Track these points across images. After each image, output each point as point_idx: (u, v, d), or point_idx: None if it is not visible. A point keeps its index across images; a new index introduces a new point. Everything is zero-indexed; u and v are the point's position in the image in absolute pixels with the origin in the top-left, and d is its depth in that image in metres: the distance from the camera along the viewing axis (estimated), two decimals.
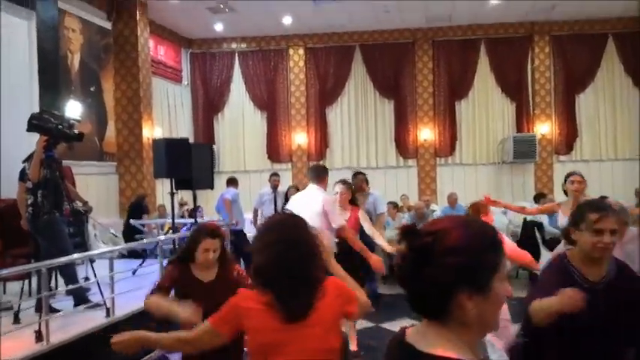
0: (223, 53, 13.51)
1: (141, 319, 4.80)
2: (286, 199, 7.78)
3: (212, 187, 7.24)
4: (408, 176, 13.31)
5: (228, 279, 2.84)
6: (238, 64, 13.52)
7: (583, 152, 13.09)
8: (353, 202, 5.20)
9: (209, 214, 9.58)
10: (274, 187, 8.15)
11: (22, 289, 4.38)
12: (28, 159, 4.51)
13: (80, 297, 4.63)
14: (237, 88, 13.58)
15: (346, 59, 13.24)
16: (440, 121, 13.17)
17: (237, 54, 13.51)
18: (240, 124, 13.66)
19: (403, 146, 13.23)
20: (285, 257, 1.82)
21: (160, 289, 2.86)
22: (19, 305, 4.25)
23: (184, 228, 7.75)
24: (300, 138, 13.42)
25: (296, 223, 1.97)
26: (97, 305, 4.61)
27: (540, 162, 13.05)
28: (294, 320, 1.79)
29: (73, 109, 6.94)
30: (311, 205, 4.25)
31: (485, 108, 13.22)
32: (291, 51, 13.37)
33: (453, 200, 9.65)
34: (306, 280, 1.84)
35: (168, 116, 12.46)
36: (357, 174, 6.65)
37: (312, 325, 1.80)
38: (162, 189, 10.98)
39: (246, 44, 13.46)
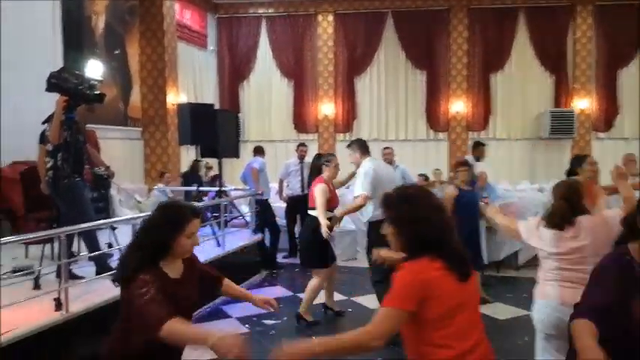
0: (250, 18, 13.13)
1: None
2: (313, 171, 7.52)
3: (238, 156, 7.01)
4: (437, 150, 12.90)
5: (194, 268, 2.36)
6: (265, 30, 13.13)
7: (624, 130, 12.46)
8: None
9: (233, 183, 9.37)
10: (301, 158, 7.88)
11: (43, 253, 4.24)
12: (48, 120, 4.31)
13: (102, 264, 4.49)
14: (264, 54, 13.22)
15: (377, 26, 12.73)
16: (474, 93, 12.66)
17: (264, 19, 13.11)
18: (267, 92, 13.35)
19: (434, 119, 12.78)
20: (448, 222, 1.98)
21: (161, 305, 2.01)
22: (39, 271, 4.11)
23: (210, 195, 7.57)
24: (327, 108, 13.07)
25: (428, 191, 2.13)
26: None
27: (578, 139, 12.49)
28: (466, 279, 1.90)
29: (94, 68, 6.71)
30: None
31: (522, 81, 12.64)
32: (319, 17, 12.91)
33: (482, 179, 7.86)
34: (458, 241, 1.98)
35: (193, 83, 12.21)
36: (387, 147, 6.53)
37: (471, 280, 1.95)
38: (187, 155, 10.82)
39: (273, 9, 13.04)
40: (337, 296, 5.68)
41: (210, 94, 12.76)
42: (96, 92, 4.06)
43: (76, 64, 6.84)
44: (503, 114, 12.75)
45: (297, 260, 6.73)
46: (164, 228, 2.13)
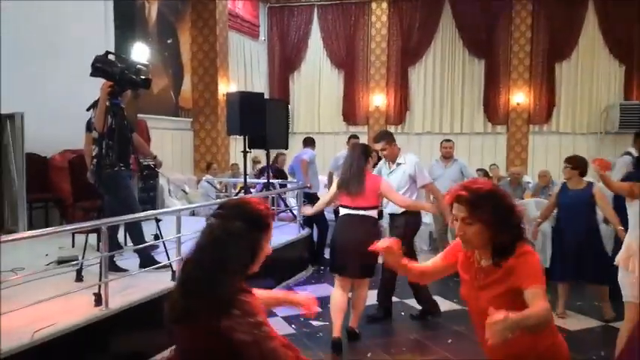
0: (302, 7, 12.85)
1: None
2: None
3: (287, 147, 6.77)
4: (495, 144, 12.24)
5: None
6: (317, 19, 12.82)
7: None
8: None
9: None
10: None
11: (86, 243, 4.11)
12: (93, 106, 4.18)
13: (146, 257, 4.33)
14: (315, 44, 12.93)
15: (434, 13, 12.17)
16: (536, 84, 11.90)
17: (316, 7, 12.80)
18: (317, 83, 13.07)
19: (493, 111, 12.12)
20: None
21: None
22: (82, 263, 3.98)
23: (257, 187, 7.36)
24: (378, 99, 12.65)
25: None
26: (164, 266, 4.29)
27: None
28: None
29: (141, 52, 6.58)
30: None
31: (590, 71, 11.79)
32: (373, 4, 12.47)
33: (545, 178, 7.48)
34: None
35: (244, 73, 12.08)
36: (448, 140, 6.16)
37: None
38: (236, 147, 10.69)
39: None
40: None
41: (260, 85, 12.61)
42: (142, 77, 3.87)
43: (129, 50, 6.78)
44: (568, 106, 11.93)
45: None
46: (252, 233, 1.67)
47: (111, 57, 3.87)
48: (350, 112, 12.84)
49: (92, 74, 3.78)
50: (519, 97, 11.93)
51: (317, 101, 13.09)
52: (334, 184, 4.37)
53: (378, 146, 4.80)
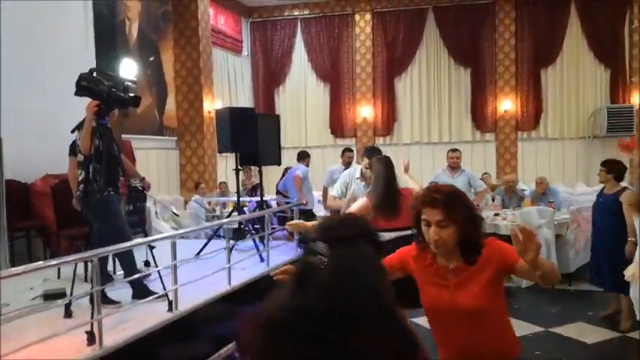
0: (285, 21, 12.72)
1: (207, 313, 4.18)
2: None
3: (279, 163, 6.52)
4: (485, 152, 12.16)
5: None
6: (300, 33, 12.69)
7: None
8: None
9: (269, 192, 8.92)
10: (347, 165, 7.33)
11: (74, 277, 3.81)
12: (78, 128, 3.90)
13: (140, 287, 4.04)
14: (299, 58, 12.79)
15: (417, 24, 12.13)
16: (523, 90, 11.90)
17: (299, 21, 12.67)
18: (302, 96, 12.90)
19: (480, 119, 12.06)
20: None
21: None
22: (70, 297, 3.67)
23: (250, 206, 7.09)
24: (365, 111, 12.52)
25: None
26: (159, 296, 4.00)
27: (638, 136, 11.56)
28: None
29: (128, 68, 6.31)
30: None
31: (575, 76, 11.83)
32: (357, 16, 12.39)
33: (543, 185, 7.42)
34: None
35: (228, 89, 11.86)
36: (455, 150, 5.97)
37: None
38: (224, 165, 10.43)
39: (309, 10, 12.59)
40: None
41: (245, 101, 12.39)
42: (131, 95, 3.62)
43: (110, 69, 6.52)
44: (556, 112, 11.94)
45: None
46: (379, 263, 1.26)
47: (96, 74, 3.61)
48: (337, 125, 12.67)
49: (77, 93, 3.52)
50: (507, 104, 11.90)
51: (303, 115, 12.91)
52: (360, 202, 4.05)
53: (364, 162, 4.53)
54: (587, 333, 4.72)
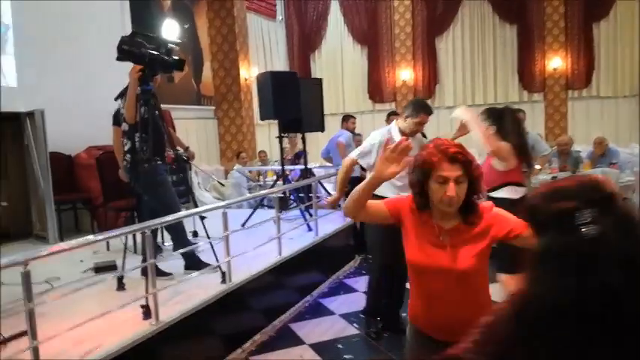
0: None
1: (260, 284, 4.05)
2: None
3: (323, 129, 6.28)
4: (532, 113, 11.49)
5: None
6: None
7: None
8: None
9: (313, 160, 8.71)
10: None
11: (125, 248, 3.71)
12: (121, 95, 3.74)
13: (192, 258, 3.92)
14: (335, 21, 12.36)
15: None
16: (573, 47, 11.21)
17: None
18: (339, 60, 12.52)
19: (528, 78, 11.46)
20: None
21: None
22: (123, 272, 3.58)
23: (293, 174, 6.91)
24: (405, 74, 12.07)
25: None
26: (207, 266, 3.88)
27: None
28: None
29: (171, 29, 6.08)
30: None
31: (630, 28, 11.01)
32: None
33: (602, 146, 7.08)
34: None
35: (264, 55, 11.59)
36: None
37: None
38: (262, 133, 10.26)
39: None
40: None
41: (280, 68, 12.10)
42: (175, 57, 3.42)
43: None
44: (609, 69, 11.22)
45: None
46: None
47: (138, 37, 3.41)
48: (376, 90, 12.29)
49: (119, 58, 3.33)
50: (556, 61, 11.25)
51: (340, 80, 12.56)
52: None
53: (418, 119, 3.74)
54: None
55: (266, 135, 10.88)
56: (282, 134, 5.86)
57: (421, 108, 3.61)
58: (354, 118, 7.27)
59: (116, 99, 3.79)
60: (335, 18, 12.33)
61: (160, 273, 3.78)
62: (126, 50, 3.28)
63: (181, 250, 3.67)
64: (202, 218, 3.72)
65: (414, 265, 1.89)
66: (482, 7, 11.53)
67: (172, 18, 8.63)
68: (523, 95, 11.57)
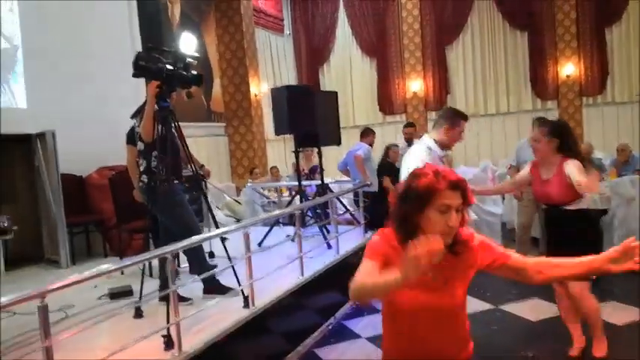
0: None
1: (284, 307, 3.86)
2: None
3: (339, 143, 6.12)
4: None
5: None
6: (343, 7, 12.14)
7: None
8: None
9: (330, 174, 8.53)
10: (408, 141, 6.88)
11: (143, 274, 3.54)
12: (137, 113, 3.59)
13: (211, 282, 3.73)
14: (343, 33, 12.28)
15: None
16: (586, 52, 11.05)
17: None
18: (348, 73, 12.42)
19: (541, 86, 11.29)
20: None
21: None
22: (140, 296, 3.41)
23: (309, 190, 6.73)
24: (415, 85, 11.94)
25: None
26: (229, 290, 3.70)
27: None
28: None
29: (188, 43, 5.96)
30: None
31: None
32: None
33: (625, 153, 7.01)
34: None
35: (272, 71, 11.50)
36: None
37: None
38: (274, 149, 10.13)
39: None
40: (481, 305, 4.67)
41: (290, 82, 12.00)
42: (193, 72, 3.27)
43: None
44: (623, 74, 11.03)
45: None
46: None
47: (154, 52, 3.27)
48: (386, 101, 12.15)
49: (135, 75, 3.19)
50: (569, 68, 11.09)
51: (350, 92, 12.44)
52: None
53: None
54: (615, 313, 4.14)
55: (277, 151, 10.74)
56: (299, 149, 5.70)
57: (459, 116, 3.48)
58: (374, 132, 7.13)
59: (132, 117, 3.64)
60: (343, 31, 12.26)
61: (180, 298, 3.60)
62: (142, 66, 3.14)
63: (203, 275, 3.48)
64: (223, 240, 3.54)
65: (401, 308, 1.68)
66: (491, 14, 11.41)
67: (181, 35, 8.56)
68: (537, 103, 11.39)
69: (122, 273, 4.71)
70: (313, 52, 12.44)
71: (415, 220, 1.60)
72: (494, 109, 11.48)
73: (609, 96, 11.15)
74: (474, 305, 4.55)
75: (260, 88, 10.05)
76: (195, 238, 3.13)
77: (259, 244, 5.42)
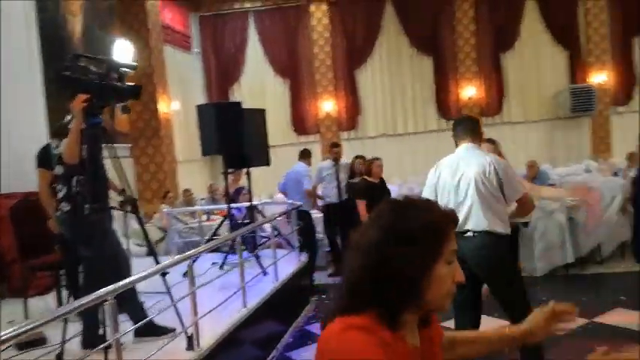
0: (236, 14, 11.93)
1: (228, 345, 3.48)
2: (352, 173, 6.46)
3: (268, 163, 5.86)
4: (451, 140, 11.90)
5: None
6: (254, 26, 11.94)
7: None
8: None
9: (259, 196, 8.19)
10: (335, 160, 6.80)
11: (66, 322, 3.00)
12: (59, 133, 3.08)
13: (145, 322, 3.27)
14: (255, 53, 12.03)
15: (376, 12, 11.72)
16: (484, 75, 11.81)
17: (251, 14, 11.92)
18: (260, 94, 12.15)
19: (445, 107, 11.84)
20: None
21: None
22: (62, 344, 2.89)
23: (237, 212, 6.35)
24: (327, 105, 11.98)
25: None
26: (166, 332, 3.28)
27: (597, 115, 11.74)
28: None
29: (124, 50, 5.40)
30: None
31: (536, 58, 11.86)
32: (312, 7, 11.80)
33: (534, 169, 7.17)
34: None
35: (180, 89, 10.95)
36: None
37: None
38: (185, 171, 9.58)
39: (260, 2, 11.88)
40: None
41: (199, 102, 11.49)
42: (130, 84, 2.87)
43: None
44: (518, 95, 11.93)
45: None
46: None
47: (82, 61, 2.83)
48: (299, 122, 12.06)
49: (61, 87, 2.72)
50: (470, 90, 11.75)
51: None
52: None
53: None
54: (615, 317, 4.41)
55: (188, 173, 10.19)
56: (228, 170, 5.36)
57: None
58: (311, 154, 6.97)
59: (53, 136, 3.13)
60: (254, 51, 12.01)
61: (157, 330, 3.14)
62: (67, 77, 2.69)
63: (145, 320, 3.03)
64: (164, 275, 3.12)
65: None
66: (398, 39, 11.82)
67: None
68: (441, 123, 11.87)
69: (26, 317, 4.06)
70: (223, 71, 12.06)
71: (422, 285, 1.08)
72: (402, 129, 11.85)
73: (506, 116, 11.96)
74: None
75: (170, 107, 9.51)
76: (136, 276, 2.70)
77: (184, 275, 4.96)
